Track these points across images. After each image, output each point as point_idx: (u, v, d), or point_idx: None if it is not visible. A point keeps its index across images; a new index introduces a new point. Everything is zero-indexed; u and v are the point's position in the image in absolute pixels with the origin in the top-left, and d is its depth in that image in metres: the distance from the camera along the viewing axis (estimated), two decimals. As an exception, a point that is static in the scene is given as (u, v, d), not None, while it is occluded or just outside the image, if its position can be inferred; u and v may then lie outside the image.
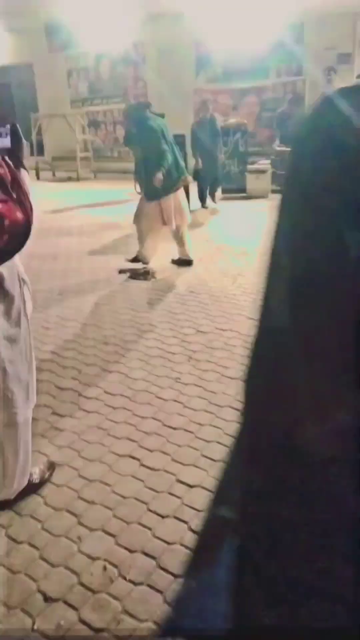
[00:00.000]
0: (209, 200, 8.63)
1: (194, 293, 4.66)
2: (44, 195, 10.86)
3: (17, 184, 1.78)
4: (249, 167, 9.18)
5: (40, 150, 13.47)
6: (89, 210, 8.83)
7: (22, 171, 1.92)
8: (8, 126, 1.92)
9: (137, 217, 5.28)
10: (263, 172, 9.09)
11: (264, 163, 9.33)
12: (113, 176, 12.44)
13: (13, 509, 2.21)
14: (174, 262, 5.53)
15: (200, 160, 8.11)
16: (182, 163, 5.25)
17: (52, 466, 2.43)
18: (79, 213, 8.44)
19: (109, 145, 13.55)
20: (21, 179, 1.83)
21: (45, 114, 13.53)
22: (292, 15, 9.45)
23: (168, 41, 11.05)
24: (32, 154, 13.20)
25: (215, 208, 8.60)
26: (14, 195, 1.75)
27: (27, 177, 1.93)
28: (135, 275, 5.23)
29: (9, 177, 1.73)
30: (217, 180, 8.81)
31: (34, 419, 2.77)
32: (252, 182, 9.07)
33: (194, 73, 11.25)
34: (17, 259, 1.93)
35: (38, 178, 13.11)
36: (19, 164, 1.93)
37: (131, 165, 10.45)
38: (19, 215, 1.75)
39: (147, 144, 4.98)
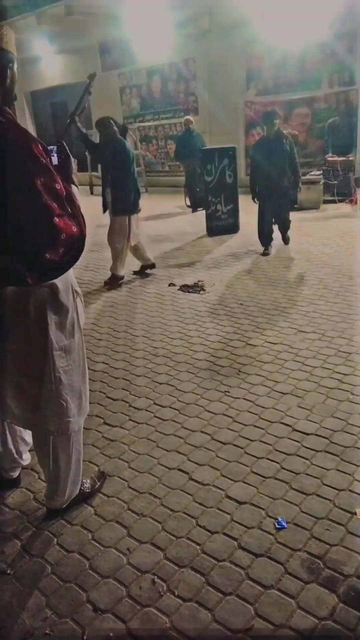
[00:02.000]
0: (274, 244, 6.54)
1: (243, 305, 4.63)
2: (97, 209, 11.09)
3: (70, 199, 1.83)
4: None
5: (94, 166, 13.83)
6: (140, 223, 8.94)
7: (72, 187, 1.98)
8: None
9: (120, 235, 5.47)
10: (314, 183, 8.97)
11: (315, 174, 9.21)
12: (164, 190, 12.61)
13: (64, 518, 2.25)
14: (137, 272, 5.91)
15: (262, 197, 6.26)
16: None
17: (103, 476, 2.46)
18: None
19: (160, 159, 13.76)
20: (74, 195, 1.88)
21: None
22: (343, 25, 9.33)
23: (218, 55, 11.14)
24: (86, 169, 13.59)
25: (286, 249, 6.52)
26: (69, 210, 1.80)
27: (77, 193, 1.98)
28: (185, 288, 5.26)
29: (64, 193, 1.78)
30: (287, 218, 6.59)
31: (85, 429, 2.82)
32: (304, 193, 8.93)
33: (245, 86, 11.28)
34: (71, 271, 1.98)
35: (92, 193, 13.44)
36: (68, 179, 1.98)
37: (181, 180, 10.63)
38: (74, 229, 1.80)
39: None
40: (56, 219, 1.72)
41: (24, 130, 1.71)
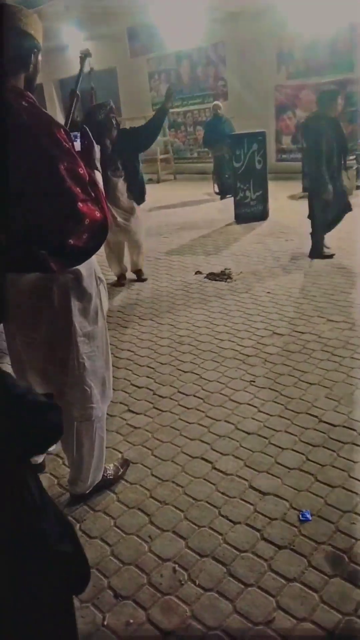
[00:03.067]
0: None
1: (270, 294, 4.55)
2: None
3: (94, 184, 1.81)
4: (332, 163, 8.84)
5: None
6: (168, 210, 8.91)
7: (96, 172, 1.95)
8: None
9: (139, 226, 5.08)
10: (348, 168, 8.72)
11: (349, 159, 8.95)
12: (192, 177, 12.51)
13: (87, 504, 2.26)
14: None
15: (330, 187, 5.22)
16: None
17: (126, 463, 2.46)
18: (158, 214, 8.55)
19: (189, 146, 13.64)
20: (96, 180, 1.86)
21: (128, 117, 13.86)
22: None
23: (248, 39, 10.90)
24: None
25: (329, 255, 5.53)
26: (92, 195, 1.77)
27: (100, 178, 1.96)
28: (212, 276, 5.21)
29: (87, 178, 1.76)
30: (342, 212, 5.51)
31: (109, 415, 2.83)
32: (335, 179, 8.73)
33: (275, 69, 11.02)
34: (94, 258, 1.96)
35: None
36: (91, 165, 1.96)
37: (210, 166, 10.51)
38: (98, 214, 1.77)
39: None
40: (80, 204, 1.70)
41: (47, 115, 1.69)
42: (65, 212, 1.69)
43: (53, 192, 1.68)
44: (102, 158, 4.30)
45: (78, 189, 1.71)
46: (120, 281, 5.28)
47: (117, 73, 14.64)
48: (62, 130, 1.69)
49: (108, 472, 2.35)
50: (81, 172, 1.73)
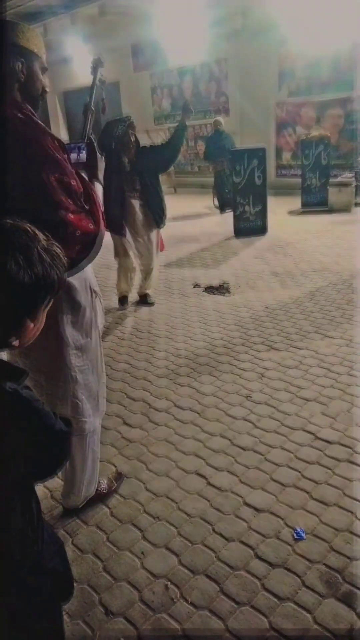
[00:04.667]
0: None
1: (268, 309, 4.56)
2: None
3: (90, 196, 1.82)
4: (332, 180, 8.93)
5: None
6: (168, 223, 8.92)
7: (97, 184, 1.97)
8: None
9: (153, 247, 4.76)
10: (346, 185, 8.80)
11: (347, 176, 9.04)
12: (192, 190, 12.58)
13: (80, 517, 2.24)
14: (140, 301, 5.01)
15: None
16: None
17: (120, 477, 2.44)
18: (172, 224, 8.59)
19: (190, 160, 13.74)
20: (94, 192, 1.87)
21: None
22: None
23: (250, 55, 11.05)
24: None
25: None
26: (86, 207, 1.78)
27: (100, 190, 1.97)
28: (210, 289, 5.22)
29: (80, 189, 1.77)
30: None
31: (104, 428, 2.82)
32: (335, 196, 8.81)
33: (277, 86, 11.16)
34: (90, 270, 1.96)
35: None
36: (93, 177, 1.97)
37: (210, 180, 10.58)
38: (91, 226, 1.78)
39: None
40: (70, 215, 1.71)
41: (39, 126, 1.69)
42: (55, 223, 1.69)
43: (43, 202, 1.68)
44: (120, 177, 4.18)
45: (69, 200, 1.71)
46: (122, 302, 4.92)
47: (120, 87, 14.80)
48: (55, 141, 1.70)
49: (102, 486, 2.33)
50: (73, 183, 1.74)
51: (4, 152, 1.63)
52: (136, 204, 4.48)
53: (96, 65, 2.50)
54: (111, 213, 4.26)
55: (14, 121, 1.63)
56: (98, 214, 1.83)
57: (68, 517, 2.24)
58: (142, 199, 4.49)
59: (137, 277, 5.00)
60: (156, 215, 4.58)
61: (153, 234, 4.65)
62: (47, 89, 1.82)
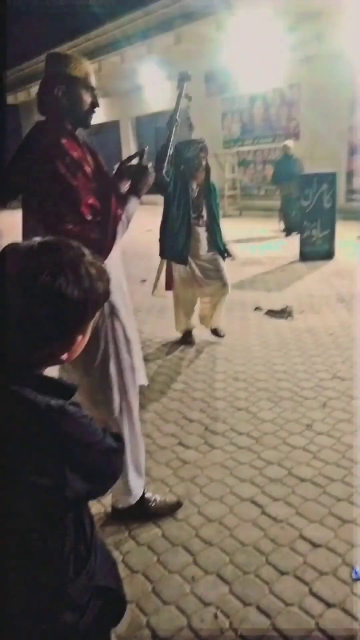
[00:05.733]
0: None
1: (333, 336, 4.43)
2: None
3: (107, 209, 1.86)
4: None
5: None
6: (232, 245, 8.95)
7: (133, 199, 1.97)
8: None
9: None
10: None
11: None
12: (258, 214, 12.56)
13: (132, 536, 2.23)
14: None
15: None
16: None
17: (177, 505, 2.37)
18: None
19: (257, 183, 13.77)
20: (113, 205, 1.88)
21: (199, 155, 14.24)
22: None
23: (324, 81, 11.01)
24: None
25: None
26: (89, 217, 1.82)
27: (134, 205, 1.96)
28: (272, 313, 5.15)
29: (97, 205, 1.85)
30: None
31: (160, 448, 2.82)
32: None
33: (350, 111, 11.02)
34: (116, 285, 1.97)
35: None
36: (132, 192, 1.99)
37: (276, 203, 10.53)
38: (92, 235, 1.81)
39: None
40: (70, 226, 1.77)
41: (60, 148, 1.82)
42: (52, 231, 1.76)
43: (43, 211, 1.82)
44: (187, 201, 4.06)
45: (76, 213, 1.79)
46: (187, 339, 4.53)
47: (191, 112, 15.13)
48: (67, 157, 1.81)
49: (156, 501, 2.32)
50: (87, 200, 1.82)
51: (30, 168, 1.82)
52: (201, 231, 4.21)
53: (182, 79, 2.56)
54: (174, 239, 4.05)
55: (39, 141, 1.84)
56: (108, 227, 1.85)
57: (120, 534, 2.25)
58: (207, 226, 4.25)
59: (198, 310, 4.59)
60: (216, 244, 4.27)
61: (220, 260, 4.29)
62: (98, 105, 1.97)
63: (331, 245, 7.50)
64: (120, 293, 2.07)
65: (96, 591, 1.10)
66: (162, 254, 4.21)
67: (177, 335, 4.72)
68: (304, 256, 7.50)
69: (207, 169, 4.19)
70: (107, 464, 1.05)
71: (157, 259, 4.31)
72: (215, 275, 4.23)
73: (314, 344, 4.26)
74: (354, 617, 1.78)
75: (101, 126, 17.24)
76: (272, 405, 3.30)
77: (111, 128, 18.16)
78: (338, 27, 10.04)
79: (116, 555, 2.12)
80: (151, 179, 2.03)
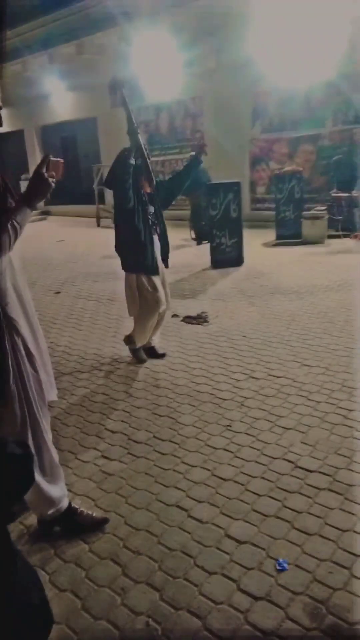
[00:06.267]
0: None
1: (246, 338, 4.60)
2: (103, 241, 11.26)
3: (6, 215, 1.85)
4: (305, 213, 9.18)
5: (101, 199, 14.08)
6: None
7: (23, 208, 1.90)
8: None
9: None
10: (319, 218, 9.05)
11: (319, 209, 9.31)
12: (169, 223, 12.70)
13: (57, 553, 2.17)
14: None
15: None
16: None
17: (104, 522, 2.33)
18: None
19: (166, 193, 13.98)
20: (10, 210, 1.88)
21: (106, 165, 14.21)
22: (348, 64, 9.58)
23: (225, 93, 11.43)
24: (94, 202, 13.82)
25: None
26: None
27: (23, 215, 1.89)
28: (188, 319, 5.24)
29: None
30: None
31: (83, 462, 2.77)
32: (308, 228, 9.04)
33: (250, 123, 11.53)
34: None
35: (98, 225, 13.65)
36: (24, 199, 1.92)
37: (187, 213, 10.77)
38: None
39: None
40: None
41: None
42: None
43: None
44: (145, 210, 3.73)
45: None
46: (144, 355, 4.28)
47: (98, 123, 15.12)
48: None
49: (80, 514, 2.28)
50: None
51: None
52: (156, 240, 4.01)
53: (115, 86, 2.58)
54: (142, 254, 3.86)
55: None
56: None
57: (45, 552, 2.18)
58: (159, 236, 4.07)
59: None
60: (165, 254, 4.16)
61: (165, 273, 4.22)
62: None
63: (240, 252, 7.79)
64: (18, 303, 2.01)
65: (18, 608, 1.06)
66: (132, 268, 3.96)
67: (94, 347, 4.67)
68: (216, 263, 7.72)
69: (148, 171, 3.86)
70: (15, 472, 1.03)
71: (69, 270, 4.25)
72: (165, 289, 4.14)
73: (229, 347, 4.40)
74: (280, 607, 1.85)
75: (3, 136, 16.72)
76: (193, 409, 3.36)
77: (15, 138, 17.66)
78: (237, 42, 10.48)
79: (42, 575, 2.05)
80: (47, 187, 1.91)
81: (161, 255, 4.08)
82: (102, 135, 15.13)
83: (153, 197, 3.97)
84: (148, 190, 3.93)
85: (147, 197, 3.90)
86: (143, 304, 4.01)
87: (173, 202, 4.35)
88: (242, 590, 1.94)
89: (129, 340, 4.25)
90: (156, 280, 4.00)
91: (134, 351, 4.28)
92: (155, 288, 3.98)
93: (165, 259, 4.15)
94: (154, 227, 4.00)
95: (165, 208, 4.20)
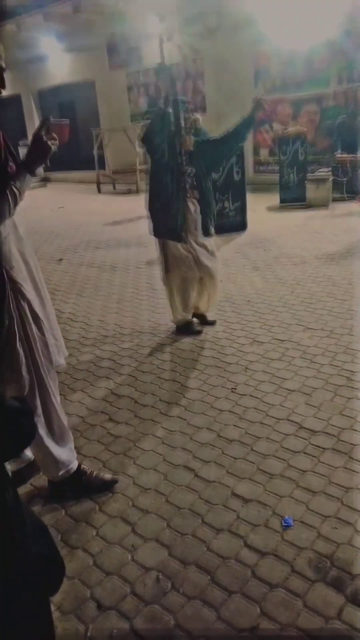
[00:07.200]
0: None
1: (250, 302, 4.59)
2: (105, 207, 11.13)
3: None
4: (309, 175, 9.02)
5: (102, 164, 13.84)
6: (147, 221, 8.92)
7: (23, 173, 1.88)
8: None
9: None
10: (323, 180, 8.90)
11: (324, 171, 9.14)
12: (250, 188, 12.55)
13: (68, 514, 2.23)
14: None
15: None
16: None
17: (113, 483, 2.38)
18: (137, 225, 8.57)
19: (167, 157, 13.72)
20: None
21: (106, 129, 13.92)
22: (352, 22, 9.26)
23: (226, 54, 11.10)
24: (94, 167, 13.60)
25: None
26: None
27: (22, 180, 1.87)
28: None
29: None
30: None
31: (91, 425, 2.82)
32: (312, 191, 8.90)
33: (252, 84, 11.22)
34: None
35: (99, 191, 13.45)
36: (24, 165, 1.89)
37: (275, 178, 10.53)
38: None
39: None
40: None
41: None
42: None
43: None
44: (179, 173, 3.51)
45: None
46: (189, 329, 4.04)
47: (96, 86, 14.74)
48: None
49: (90, 474, 2.33)
50: None
51: None
52: (192, 206, 3.75)
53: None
54: (167, 217, 3.67)
55: None
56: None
57: (56, 512, 2.23)
58: (198, 200, 3.77)
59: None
60: (208, 221, 3.83)
61: (211, 241, 3.91)
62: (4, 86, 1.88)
63: (243, 216, 7.69)
64: (25, 268, 2.01)
65: (29, 559, 1.10)
66: (156, 232, 3.83)
67: (97, 313, 4.68)
68: (219, 228, 7.61)
69: (197, 133, 3.49)
70: (14, 425, 1.05)
71: (70, 237, 4.20)
72: (208, 257, 3.84)
73: (233, 312, 4.40)
74: (285, 561, 1.90)
75: (1, 101, 16.33)
76: (198, 373, 3.39)
77: (13, 102, 17.26)
78: (238, 0, 10.11)
79: (54, 533, 2.11)
80: (46, 151, 1.86)
81: (202, 221, 3.79)
82: (101, 98, 14.78)
83: (194, 157, 3.69)
84: (190, 148, 3.67)
85: (186, 157, 3.66)
86: (172, 271, 3.85)
87: (223, 164, 3.95)
88: (249, 546, 1.99)
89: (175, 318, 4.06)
90: (182, 247, 3.75)
91: (182, 326, 4.04)
92: (181, 256, 3.75)
93: (204, 226, 3.81)
94: (191, 189, 3.72)
95: (214, 169, 3.70)
